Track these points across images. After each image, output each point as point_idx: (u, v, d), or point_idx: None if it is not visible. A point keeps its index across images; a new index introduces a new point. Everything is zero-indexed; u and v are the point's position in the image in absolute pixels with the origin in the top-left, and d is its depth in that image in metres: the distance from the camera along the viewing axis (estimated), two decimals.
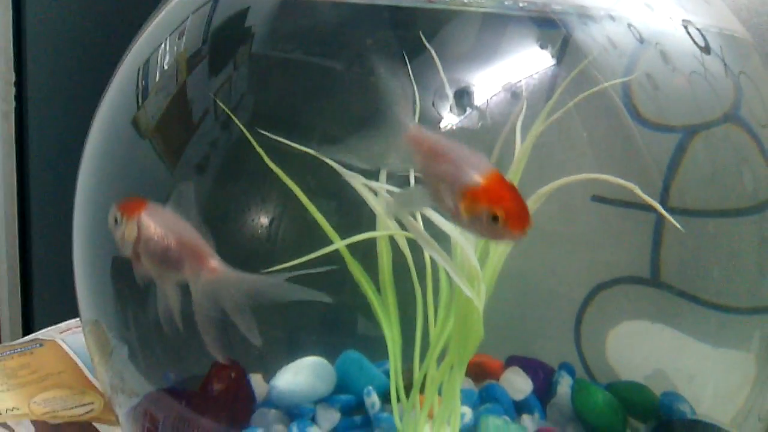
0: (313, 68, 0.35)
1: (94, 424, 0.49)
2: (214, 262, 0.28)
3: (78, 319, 0.65)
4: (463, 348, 0.35)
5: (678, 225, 0.33)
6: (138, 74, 0.37)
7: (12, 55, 1.26)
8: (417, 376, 0.36)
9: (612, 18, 0.36)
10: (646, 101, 0.35)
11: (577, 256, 0.37)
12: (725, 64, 0.35)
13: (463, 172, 0.25)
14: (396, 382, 0.37)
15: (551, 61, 0.35)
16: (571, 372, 0.43)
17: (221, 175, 0.34)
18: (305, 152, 0.31)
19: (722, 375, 0.35)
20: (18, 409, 0.49)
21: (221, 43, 0.35)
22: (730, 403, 0.35)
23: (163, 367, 0.36)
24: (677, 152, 0.35)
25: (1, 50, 1.24)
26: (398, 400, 0.37)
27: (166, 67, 0.35)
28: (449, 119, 0.33)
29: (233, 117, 0.32)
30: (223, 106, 0.33)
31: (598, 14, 0.36)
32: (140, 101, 0.36)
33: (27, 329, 1.25)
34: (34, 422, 0.48)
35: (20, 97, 1.28)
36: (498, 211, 0.25)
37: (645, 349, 0.39)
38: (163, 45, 0.36)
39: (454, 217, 0.26)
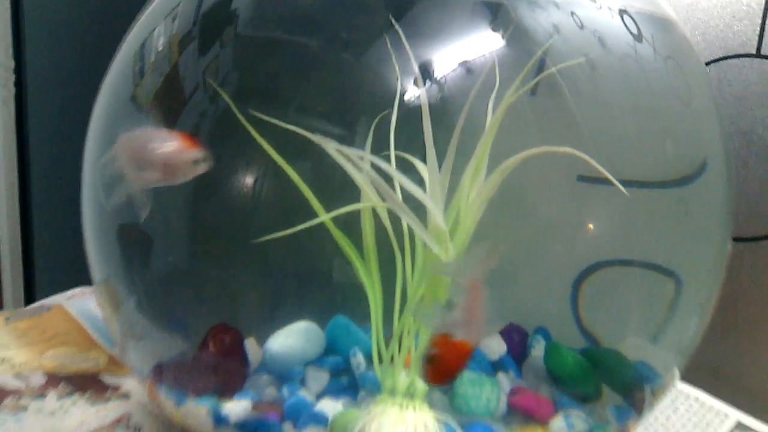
0: (293, 46, 0.39)
1: (100, 375, 0.53)
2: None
3: (81, 287, 0.70)
4: (433, 301, 0.38)
5: (625, 191, 0.37)
6: (136, 55, 0.41)
7: (11, 41, 1.28)
8: (395, 328, 0.40)
9: (556, 6, 0.40)
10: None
11: (572, 233, 0.40)
12: (654, 50, 0.40)
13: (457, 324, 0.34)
14: (377, 338, 0.40)
15: (503, 42, 0.39)
16: (547, 336, 0.46)
17: (210, 144, 0.38)
18: (290, 122, 0.36)
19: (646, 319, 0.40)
20: (30, 362, 0.54)
21: (210, 24, 0.39)
22: (653, 338, 0.40)
23: (165, 310, 0.41)
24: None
25: None
26: (379, 354, 0.41)
27: (160, 48, 0.40)
28: (414, 92, 0.37)
29: (222, 93, 0.36)
30: (213, 83, 0.37)
31: (544, 2, 0.40)
32: (138, 79, 0.40)
33: (29, 303, 1.28)
34: (46, 373, 0.52)
35: (20, 83, 1.30)
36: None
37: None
38: (157, 29, 0.40)
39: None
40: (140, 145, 0.36)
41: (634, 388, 0.41)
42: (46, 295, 0.68)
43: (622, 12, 0.40)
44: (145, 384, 0.41)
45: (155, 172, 0.35)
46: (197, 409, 0.37)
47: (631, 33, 0.40)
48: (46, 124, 1.35)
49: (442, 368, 0.33)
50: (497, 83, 0.37)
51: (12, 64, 1.30)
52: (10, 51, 1.29)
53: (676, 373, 0.41)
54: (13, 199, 1.33)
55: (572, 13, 0.40)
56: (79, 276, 0.72)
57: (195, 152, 0.35)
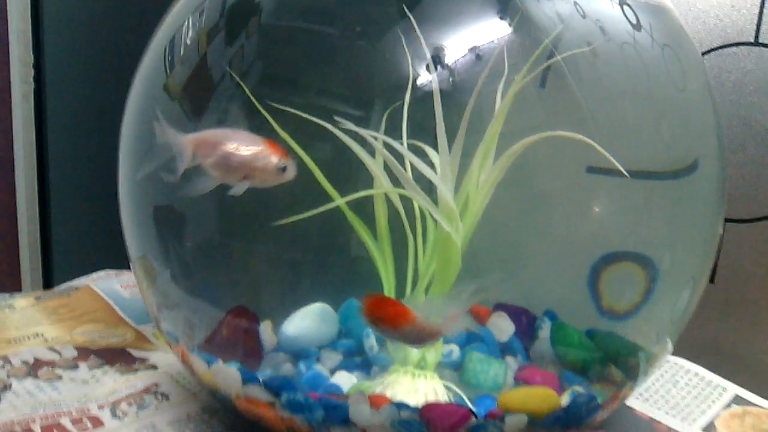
0: (313, 36, 0.41)
1: (128, 349, 0.56)
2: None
3: (105, 271, 0.72)
4: (444, 278, 0.41)
5: (626, 173, 0.39)
6: (166, 48, 0.43)
7: (30, 36, 1.30)
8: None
9: None
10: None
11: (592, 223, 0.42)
12: (652, 38, 0.42)
13: None
14: None
15: (510, 30, 0.41)
16: (554, 318, 0.48)
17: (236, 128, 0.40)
18: (309, 107, 0.38)
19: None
20: (61, 338, 0.57)
21: (235, 16, 0.41)
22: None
23: (196, 281, 0.44)
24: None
25: (19, 32, 1.29)
26: None
27: (189, 42, 0.42)
28: (426, 77, 0.38)
29: (243, 84, 0.39)
30: (234, 75, 0.39)
31: None
32: (169, 70, 0.43)
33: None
34: (77, 347, 0.55)
35: (39, 78, 1.33)
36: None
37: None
38: (186, 23, 0.43)
39: None
40: (225, 145, 0.37)
41: (629, 357, 0.43)
42: (63, 282, 0.70)
43: (622, 1, 0.42)
44: (177, 349, 0.44)
45: (240, 173, 0.37)
46: (227, 370, 0.39)
47: (630, 22, 0.42)
48: (65, 118, 1.37)
49: (377, 318, 0.36)
50: (506, 70, 0.39)
51: (31, 59, 1.32)
52: (30, 47, 1.31)
53: (669, 343, 0.44)
54: (32, 191, 1.36)
55: (575, 3, 0.42)
56: (96, 261, 0.75)
57: (281, 159, 0.36)
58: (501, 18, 0.41)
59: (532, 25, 0.42)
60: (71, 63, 1.36)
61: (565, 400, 0.40)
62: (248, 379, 0.39)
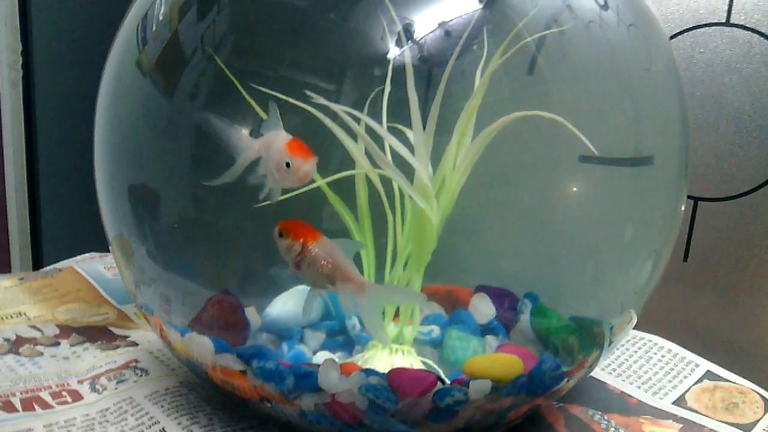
0: (286, 9, 0.42)
1: (109, 327, 0.57)
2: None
3: (90, 253, 0.73)
4: (420, 254, 0.42)
5: (594, 150, 0.39)
6: (139, 26, 0.43)
7: (18, 24, 1.30)
8: (386, 280, 0.43)
9: None
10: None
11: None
12: (618, 17, 0.42)
13: None
14: None
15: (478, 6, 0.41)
16: (535, 300, 0.48)
17: (210, 106, 0.41)
18: (283, 82, 0.38)
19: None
20: (44, 316, 0.58)
21: None
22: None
23: (171, 256, 0.44)
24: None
25: (7, 19, 1.29)
26: None
27: (161, 18, 0.43)
28: (395, 51, 0.38)
29: (218, 59, 0.39)
30: (209, 49, 0.40)
31: None
32: (141, 47, 0.43)
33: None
34: (59, 326, 0.56)
35: (27, 65, 1.33)
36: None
37: None
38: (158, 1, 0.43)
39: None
40: (263, 145, 0.37)
41: (594, 325, 0.44)
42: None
43: None
44: (153, 320, 0.44)
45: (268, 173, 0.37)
46: (200, 338, 0.40)
47: (597, 1, 0.42)
48: (53, 105, 1.38)
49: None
50: (485, 51, 0.39)
51: (20, 46, 1.32)
52: (18, 33, 1.31)
53: (633, 314, 0.44)
54: (21, 177, 1.36)
55: None
56: (84, 248, 0.76)
57: (289, 155, 0.36)
58: None
59: (503, 2, 0.42)
60: (60, 50, 1.37)
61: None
62: (221, 348, 0.39)
